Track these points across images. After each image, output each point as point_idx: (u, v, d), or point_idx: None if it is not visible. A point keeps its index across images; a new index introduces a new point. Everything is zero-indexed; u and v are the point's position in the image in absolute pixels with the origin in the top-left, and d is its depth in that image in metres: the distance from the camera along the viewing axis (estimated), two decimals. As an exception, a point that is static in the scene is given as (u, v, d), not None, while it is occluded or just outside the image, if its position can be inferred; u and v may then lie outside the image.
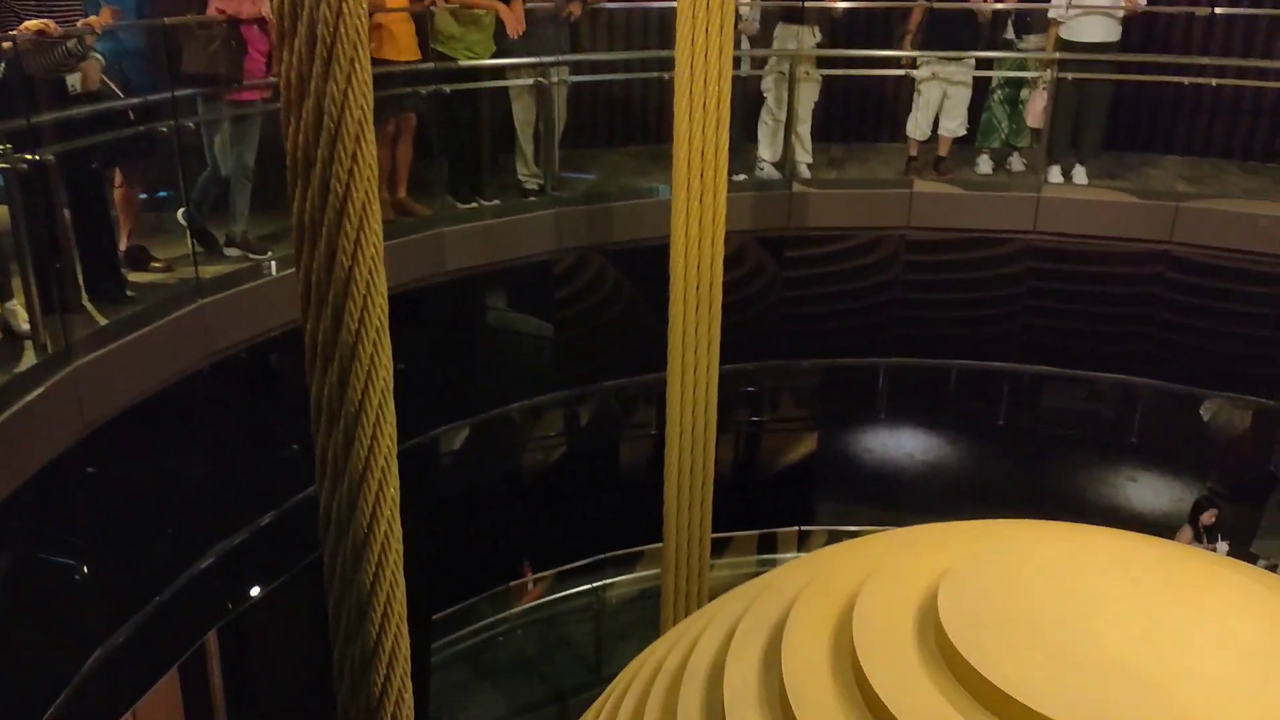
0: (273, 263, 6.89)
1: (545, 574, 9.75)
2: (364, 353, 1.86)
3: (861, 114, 11.40)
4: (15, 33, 5.70)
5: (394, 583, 1.93)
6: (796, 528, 10.72)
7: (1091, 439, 11.09)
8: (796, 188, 9.31)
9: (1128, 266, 9.49)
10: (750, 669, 4.30)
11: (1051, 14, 9.40)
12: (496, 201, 8.36)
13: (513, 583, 9.36)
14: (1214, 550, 8.63)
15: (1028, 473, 11.04)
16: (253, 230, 7.11)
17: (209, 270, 6.59)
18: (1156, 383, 9.80)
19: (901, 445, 11.64)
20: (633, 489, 10.03)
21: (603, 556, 9.69)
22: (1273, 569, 8.94)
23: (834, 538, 9.88)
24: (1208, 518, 8.82)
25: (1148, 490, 10.95)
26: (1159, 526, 10.15)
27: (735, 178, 8.91)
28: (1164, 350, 9.61)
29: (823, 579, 4.71)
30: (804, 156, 9.55)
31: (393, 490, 1.91)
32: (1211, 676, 3.70)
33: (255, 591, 6.84)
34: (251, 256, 6.96)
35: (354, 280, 1.87)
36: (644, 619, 9.16)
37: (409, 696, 2.01)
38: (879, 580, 4.47)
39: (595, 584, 9.65)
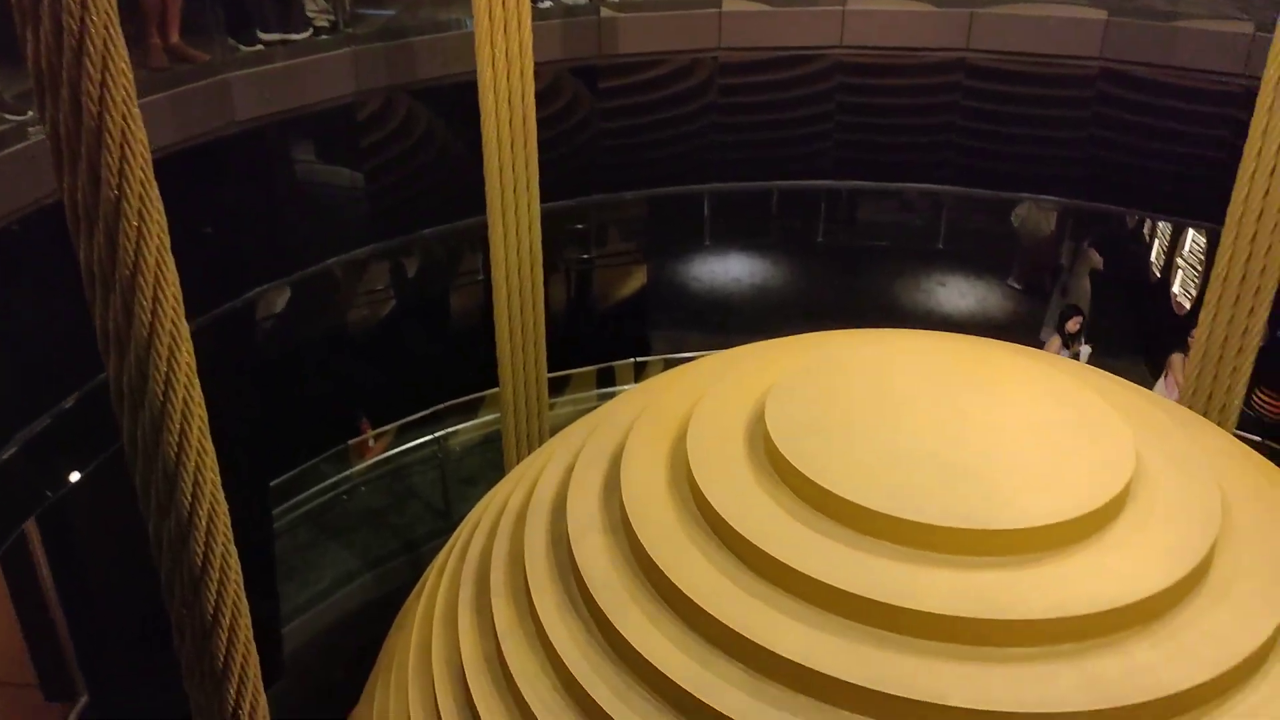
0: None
1: (385, 429, 9.65)
2: (130, 210, 1.68)
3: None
4: None
5: (201, 450, 1.83)
6: (632, 359, 10.92)
7: (904, 248, 11.60)
8: (605, 12, 9.02)
9: (929, 77, 9.73)
10: (592, 498, 4.40)
11: None
12: (289, 37, 7.73)
13: (352, 441, 9.23)
14: (1079, 353, 9.25)
15: (847, 285, 11.51)
16: (8, 88, 6.39)
17: (-37, 137, 5.92)
18: (959, 189, 10.26)
19: (729, 270, 11.89)
20: (466, 336, 9.93)
21: (442, 406, 9.63)
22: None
23: (669, 366, 10.11)
24: (1072, 325, 9.43)
25: (955, 292, 11.62)
26: (968, 325, 10.84)
27: (540, 4, 8.55)
28: (966, 157, 10.02)
29: (656, 406, 4.82)
30: (611, -21, 9.22)
31: (186, 355, 1.79)
32: (1015, 456, 4.02)
33: (74, 476, 6.50)
34: (9, 118, 6.26)
35: (106, 130, 1.66)
36: (489, 462, 9.25)
37: (234, 561, 1.95)
38: (709, 401, 4.61)
39: (437, 433, 9.63)
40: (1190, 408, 5.84)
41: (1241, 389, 5.94)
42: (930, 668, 3.40)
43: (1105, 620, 3.47)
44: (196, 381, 1.78)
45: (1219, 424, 5.75)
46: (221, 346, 7.15)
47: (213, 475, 1.86)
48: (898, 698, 3.33)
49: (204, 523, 1.87)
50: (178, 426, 1.78)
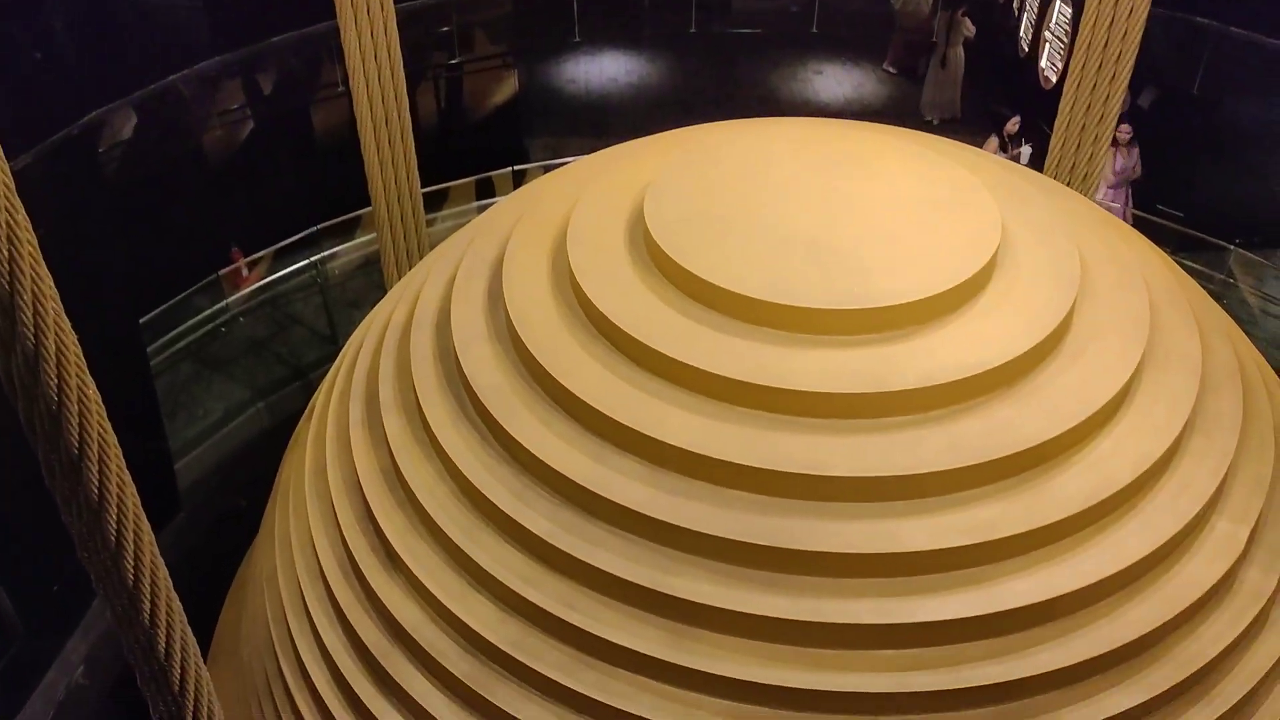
0: None
1: (258, 255, 9.31)
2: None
3: None
4: None
5: (36, 278, 1.72)
6: (510, 168, 10.64)
7: (779, 35, 11.37)
8: None
9: None
10: (475, 308, 4.37)
11: None
12: None
13: (223, 270, 8.87)
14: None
15: (724, 77, 11.29)
16: None
17: None
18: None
19: (604, 70, 11.52)
20: (334, 153, 9.47)
21: (315, 229, 9.29)
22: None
23: (549, 172, 9.90)
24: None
25: (831, 80, 11.54)
26: (845, 112, 10.82)
27: None
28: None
29: (534, 211, 4.74)
30: None
31: (2, 174, 1.65)
32: (887, 236, 4.10)
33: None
34: None
35: None
36: (373, 284, 9.05)
37: (92, 391, 1.87)
38: (588, 202, 4.54)
39: (314, 257, 9.33)
40: (1054, 176, 6.02)
41: (1102, 156, 6.12)
42: (811, 443, 3.56)
43: (971, 385, 3.66)
44: (18, 203, 1.65)
45: (1081, 191, 5.96)
46: (64, 175, 6.68)
47: (54, 304, 1.76)
48: (783, 473, 3.50)
49: (52, 352, 1.78)
50: (5, 253, 1.66)
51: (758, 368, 3.68)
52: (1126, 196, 8.93)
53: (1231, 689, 3.44)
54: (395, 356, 4.49)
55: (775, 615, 3.35)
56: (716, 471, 3.56)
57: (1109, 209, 7.76)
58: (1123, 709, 3.27)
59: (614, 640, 3.41)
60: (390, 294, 5.32)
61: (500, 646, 3.51)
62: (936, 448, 3.52)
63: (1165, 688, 3.32)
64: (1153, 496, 3.63)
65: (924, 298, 3.78)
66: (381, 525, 3.91)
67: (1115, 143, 8.71)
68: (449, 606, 3.62)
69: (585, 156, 5.38)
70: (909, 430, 3.60)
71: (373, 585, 3.80)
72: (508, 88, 11.19)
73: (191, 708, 2.26)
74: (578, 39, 11.05)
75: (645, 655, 3.39)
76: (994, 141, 9.50)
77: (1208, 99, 8.76)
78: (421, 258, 6.66)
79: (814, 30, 11.12)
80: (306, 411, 5.10)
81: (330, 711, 3.75)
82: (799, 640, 3.37)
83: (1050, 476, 3.57)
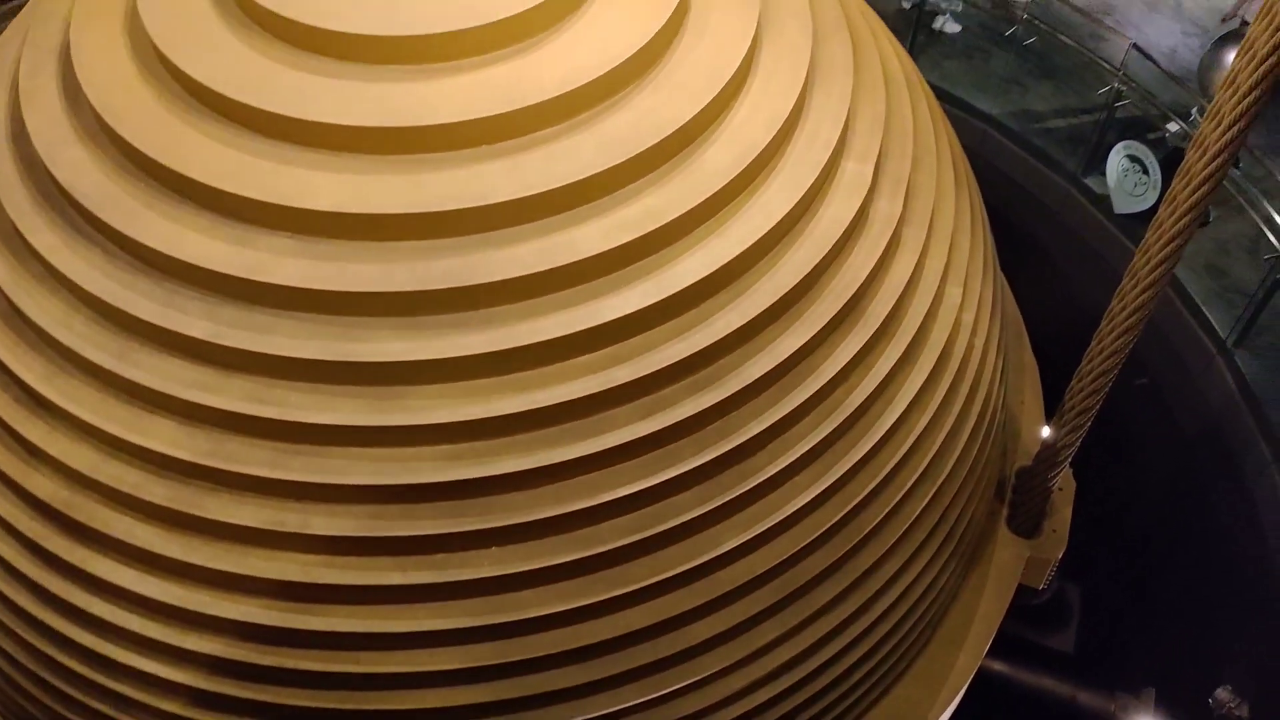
0: None
1: None
2: None
3: None
4: None
5: None
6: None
7: None
8: None
9: None
10: (53, 108, 3.79)
11: None
12: None
13: None
14: None
15: None
16: None
17: None
18: None
19: None
20: None
21: None
22: None
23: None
24: None
25: None
26: None
27: None
28: None
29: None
30: None
31: None
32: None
33: None
34: None
35: None
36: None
37: None
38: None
39: None
40: None
41: None
42: (468, 175, 3.43)
43: (609, 82, 3.62)
44: None
45: None
46: None
47: None
48: (445, 212, 3.37)
49: None
50: None
51: (391, 109, 3.45)
52: None
53: (878, 308, 3.85)
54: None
55: (469, 353, 3.34)
56: (375, 227, 3.39)
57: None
58: (795, 349, 3.60)
59: (315, 421, 3.30)
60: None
61: (196, 461, 3.31)
62: (590, 150, 3.50)
63: (826, 320, 3.66)
64: (789, 153, 3.84)
65: (532, 7, 3.61)
66: (20, 374, 3.47)
67: None
68: (126, 438, 3.33)
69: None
70: (561, 139, 3.55)
71: (31, 439, 3.42)
72: None
73: None
74: None
75: (351, 426, 3.31)
76: None
77: None
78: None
79: None
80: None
81: (30, 578, 3.45)
82: (497, 370, 3.39)
83: (699, 154, 3.67)
